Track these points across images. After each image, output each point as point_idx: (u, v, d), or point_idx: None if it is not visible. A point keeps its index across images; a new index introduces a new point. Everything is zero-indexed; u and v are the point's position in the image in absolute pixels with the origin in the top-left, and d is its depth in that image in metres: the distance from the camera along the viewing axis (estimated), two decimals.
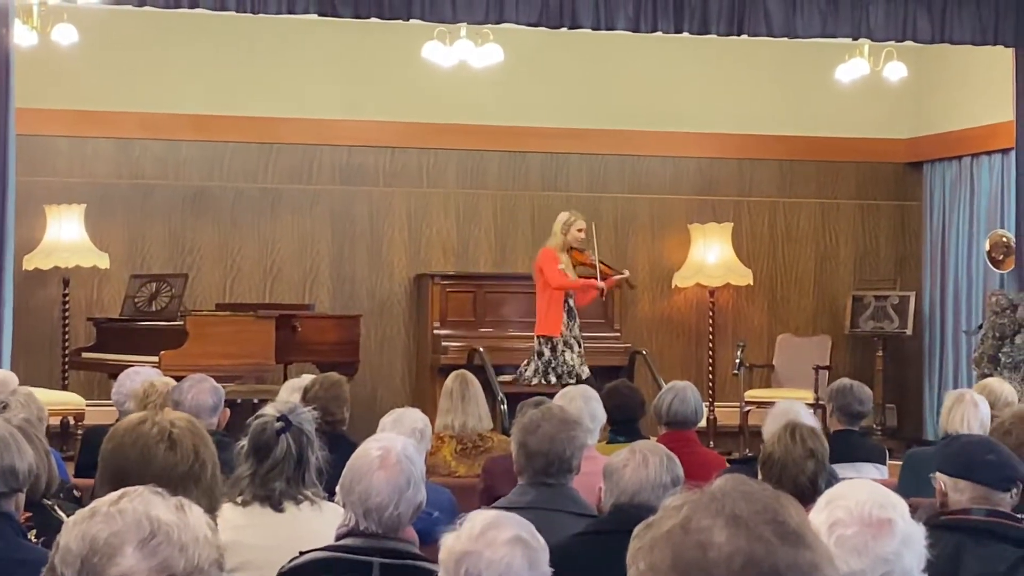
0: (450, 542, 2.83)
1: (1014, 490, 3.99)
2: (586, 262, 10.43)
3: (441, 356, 11.29)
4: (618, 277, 10.59)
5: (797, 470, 4.45)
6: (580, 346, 10.33)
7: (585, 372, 10.14)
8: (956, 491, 3.95)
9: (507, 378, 10.51)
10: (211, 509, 3.10)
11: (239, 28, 11.30)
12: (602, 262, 10.52)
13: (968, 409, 6.11)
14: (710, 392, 11.99)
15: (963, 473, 3.94)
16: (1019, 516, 3.99)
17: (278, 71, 11.81)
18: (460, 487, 6.00)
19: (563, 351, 10.24)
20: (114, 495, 1.97)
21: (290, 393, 6.58)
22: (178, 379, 6.27)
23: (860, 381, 7.07)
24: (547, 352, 10.25)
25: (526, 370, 10.33)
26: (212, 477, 3.14)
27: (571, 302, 10.35)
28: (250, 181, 11.95)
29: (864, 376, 10.08)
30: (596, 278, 10.36)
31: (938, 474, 4.02)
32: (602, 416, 6.28)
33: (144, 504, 1.93)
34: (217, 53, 11.72)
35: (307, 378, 6.78)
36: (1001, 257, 11.21)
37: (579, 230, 10.38)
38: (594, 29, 9.89)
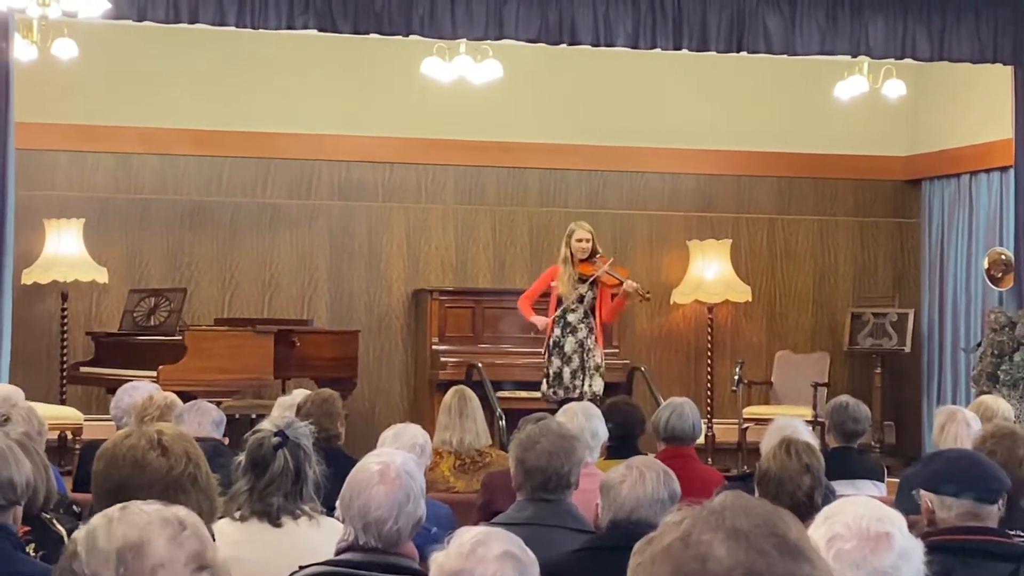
0: (440, 560, 2.81)
1: (1000, 501, 3.92)
2: (589, 274, 9.88)
3: (439, 372, 11.27)
4: (624, 290, 9.90)
5: (793, 486, 4.45)
6: (580, 362, 9.85)
7: (584, 389, 9.70)
8: (943, 508, 3.86)
9: (505, 394, 10.49)
10: (211, 511, 3.12)
11: (239, 43, 11.30)
12: (610, 273, 9.92)
13: (960, 428, 6.08)
14: (708, 409, 11.98)
15: (949, 490, 3.85)
16: (1009, 532, 3.94)
17: (277, 86, 11.82)
18: (459, 502, 6.00)
19: (558, 363, 9.89)
20: (117, 507, 1.99)
21: (282, 411, 6.55)
22: (178, 394, 6.30)
23: (858, 398, 7.05)
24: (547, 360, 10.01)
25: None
26: (207, 477, 3.15)
27: (569, 317, 9.87)
28: (249, 196, 11.96)
29: (862, 393, 10.06)
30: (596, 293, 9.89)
31: (923, 492, 3.93)
32: (603, 433, 6.27)
33: (155, 508, 1.99)
34: (216, 68, 11.73)
35: (298, 395, 6.77)
36: (1000, 275, 11.19)
37: (579, 240, 9.87)
38: (593, 46, 9.90)
